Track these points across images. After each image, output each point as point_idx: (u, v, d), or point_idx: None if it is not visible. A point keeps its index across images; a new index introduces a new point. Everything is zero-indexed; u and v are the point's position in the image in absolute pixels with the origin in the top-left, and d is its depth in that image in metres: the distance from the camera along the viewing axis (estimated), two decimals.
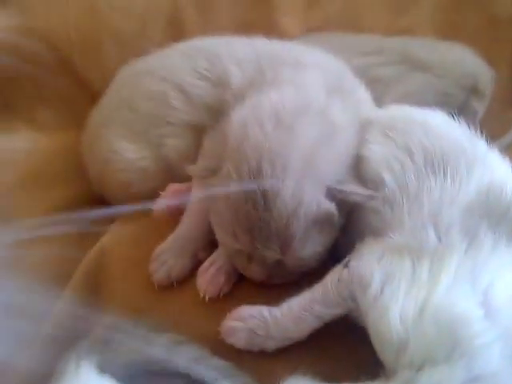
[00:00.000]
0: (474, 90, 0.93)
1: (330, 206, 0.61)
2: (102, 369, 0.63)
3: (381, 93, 0.88)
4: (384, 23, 1.10)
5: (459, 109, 0.91)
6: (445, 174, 0.61)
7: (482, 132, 0.75)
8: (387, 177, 0.63)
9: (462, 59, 0.95)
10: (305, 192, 0.60)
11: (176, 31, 1.11)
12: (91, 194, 0.94)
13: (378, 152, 0.66)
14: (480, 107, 0.93)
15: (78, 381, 0.61)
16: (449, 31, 1.08)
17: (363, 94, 0.80)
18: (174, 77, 0.82)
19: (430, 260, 0.55)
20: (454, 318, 0.51)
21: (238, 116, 0.67)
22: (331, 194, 0.62)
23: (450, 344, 0.50)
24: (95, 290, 0.76)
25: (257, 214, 0.60)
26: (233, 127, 0.66)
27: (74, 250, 0.83)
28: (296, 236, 0.61)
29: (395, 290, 0.54)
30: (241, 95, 0.74)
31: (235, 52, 0.81)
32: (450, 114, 0.74)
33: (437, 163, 0.62)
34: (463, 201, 0.58)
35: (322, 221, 0.62)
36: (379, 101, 0.84)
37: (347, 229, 0.66)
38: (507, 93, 1.09)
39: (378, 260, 0.57)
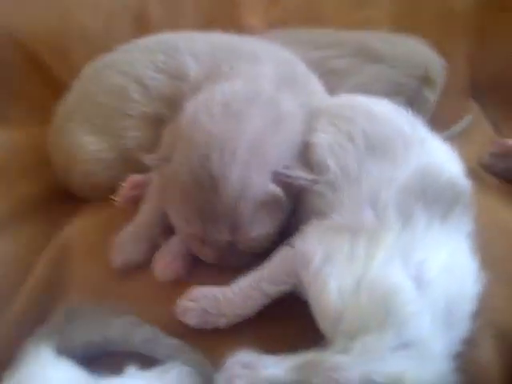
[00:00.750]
0: (425, 80, 0.96)
1: (276, 190, 0.65)
2: (61, 351, 0.65)
3: (336, 84, 0.91)
4: (343, 17, 1.14)
5: (412, 98, 0.95)
6: (383, 158, 0.64)
7: (435, 120, 0.79)
8: (330, 162, 0.66)
9: (414, 50, 0.98)
10: (251, 176, 0.63)
11: (142, 28, 1.13)
12: (57, 188, 0.96)
13: (323, 139, 0.69)
14: (431, 96, 0.97)
15: (36, 365, 0.64)
16: (406, 23, 1.12)
17: (316, 86, 0.83)
18: (134, 70, 0.85)
19: (366, 238, 0.59)
20: (386, 290, 0.55)
21: (190, 106, 0.70)
22: (277, 179, 0.65)
23: (382, 313, 0.54)
24: (58, 277, 0.79)
25: (205, 197, 0.63)
26: (184, 116, 0.68)
27: (39, 241, 0.86)
28: (244, 218, 0.64)
29: (334, 265, 0.58)
30: (197, 87, 0.77)
31: (192, 46, 0.84)
32: (403, 103, 0.78)
33: (377, 148, 0.66)
34: (400, 182, 0.62)
35: (269, 204, 0.65)
36: (334, 92, 0.87)
37: (296, 212, 0.69)
38: (462, 83, 1.13)
39: (319, 239, 0.60)
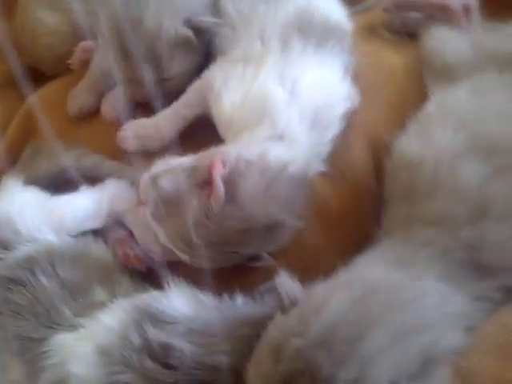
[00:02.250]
0: None
1: (187, 31, 0.78)
2: (27, 183, 0.81)
3: None
4: None
5: None
6: (271, 1, 0.77)
7: None
8: (230, 7, 0.79)
9: None
10: (163, 20, 0.76)
11: None
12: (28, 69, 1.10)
13: None
14: None
15: (4, 191, 0.80)
16: None
17: None
18: None
19: (254, 63, 0.73)
20: (264, 97, 0.70)
21: None
22: (189, 23, 0.78)
23: (260, 113, 0.69)
24: (26, 131, 0.95)
25: (128, 41, 0.76)
26: None
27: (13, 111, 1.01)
28: (163, 56, 0.77)
29: (229, 86, 0.72)
30: None
31: None
32: None
33: None
34: (282, 18, 0.75)
35: (183, 44, 0.78)
36: None
37: (210, 56, 0.83)
38: None
39: (220, 69, 0.75)
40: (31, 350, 0.64)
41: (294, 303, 0.55)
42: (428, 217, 0.63)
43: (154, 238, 0.71)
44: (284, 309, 0.55)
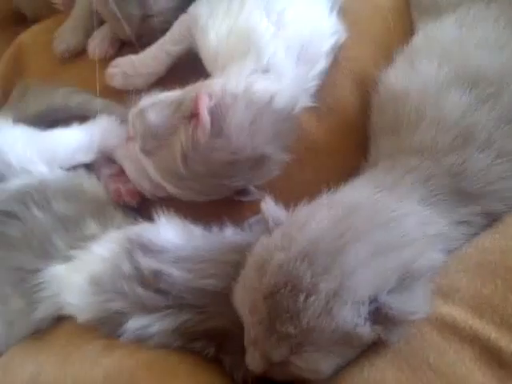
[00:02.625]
0: None
1: None
2: (17, 122, 0.81)
3: None
4: None
5: None
6: None
7: None
8: None
9: None
10: None
11: None
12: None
13: None
14: None
15: None
16: None
17: None
18: None
19: None
20: (250, 30, 0.69)
21: None
22: None
23: (245, 46, 0.69)
24: (15, 72, 0.94)
25: None
26: None
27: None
28: None
29: (215, 19, 0.72)
30: None
31: None
32: None
33: None
34: None
35: None
36: None
37: None
38: None
39: (205, 3, 0.75)
40: (27, 282, 0.66)
41: (278, 226, 0.57)
42: (413, 146, 0.64)
43: (143, 173, 0.72)
44: (269, 231, 0.57)
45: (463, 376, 0.50)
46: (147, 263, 0.60)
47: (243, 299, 0.56)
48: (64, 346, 0.65)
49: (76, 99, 0.82)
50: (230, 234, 0.66)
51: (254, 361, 0.55)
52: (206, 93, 0.64)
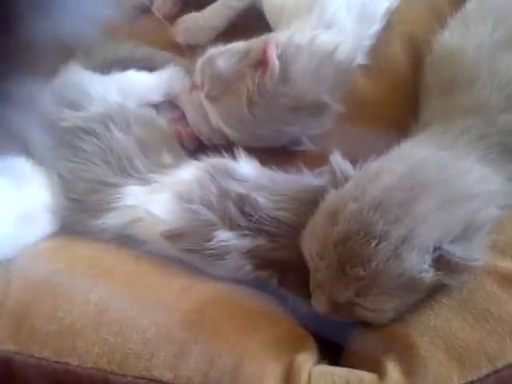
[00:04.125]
0: None
1: None
2: (86, 68, 0.84)
3: None
4: None
5: None
6: None
7: None
8: None
9: None
10: None
11: None
12: None
13: None
14: None
15: (68, 73, 0.83)
16: None
17: None
18: None
19: None
20: None
21: None
22: None
23: (310, 1, 0.71)
24: None
25: None
26: None
27: None
28: None
29: None
30: None
31: None
32: None
33: None
34: None
35: None
36: None
37: None
38: None
39: None
40: (101, 193, 0.67)
41: (346, 179, 0.60)
42: (467, 106, 0.67)
43: (204, 118, 0.75)
44: (337, 183, 0.60)
45: None
46: (232, 186, 0.63)
47: (312, 244, 0.58)
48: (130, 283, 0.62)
49: (141, 51, 0.85)
50: (306, 175, 0.68)
51: (319, 303, 0.57)
52: (273, 42, 0.68)
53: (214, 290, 0.62)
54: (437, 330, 0.54)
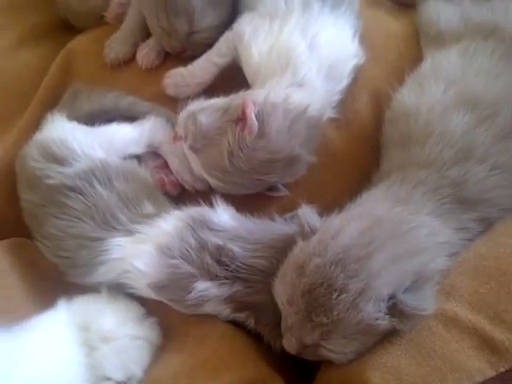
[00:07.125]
0: None
1: None
2: (70, 118, 0.86)
3: None
4: None
5: None
6: None
7: None
8: None
9: None
10: None
11: None
12: (60, 21, 1.14)
13: None
14: None
15: (54, 123, 0.85)
16: None
17: None
18: None
19: (279, 19, 0.80)
20: (288, 50, 0.77)
21: None
22: None
23: (284, 63, 0.76)
24: (66, 75, 0.99)
25: None
26: None
27: (51, 56, 1.05)
28: (195, 10, 0.84)
29: (258, 38, 0.79)
30: None
31: None
32: None
33: None
34: None
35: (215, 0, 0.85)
36: None
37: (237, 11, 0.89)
38: None
39: (249, 22, 0.82)
40: (89, 248, 0.70)
41: (313, 231, 0.65)
42: (421, 160, 0.72)
43: (186, 167, 0.79)
44: (305, 235, 0.65)
45: (463, 361, 0.57)
46: (210, 238, 0.67)
47: (282, 292, 0.64)
48: None
49: (125, 101, 0.88)
50: (278, 221, 0.72)
51: (290, 344, 0.63)
52: (251, 100, 0.72)
53: None
54: (387, 367, 0.59)
